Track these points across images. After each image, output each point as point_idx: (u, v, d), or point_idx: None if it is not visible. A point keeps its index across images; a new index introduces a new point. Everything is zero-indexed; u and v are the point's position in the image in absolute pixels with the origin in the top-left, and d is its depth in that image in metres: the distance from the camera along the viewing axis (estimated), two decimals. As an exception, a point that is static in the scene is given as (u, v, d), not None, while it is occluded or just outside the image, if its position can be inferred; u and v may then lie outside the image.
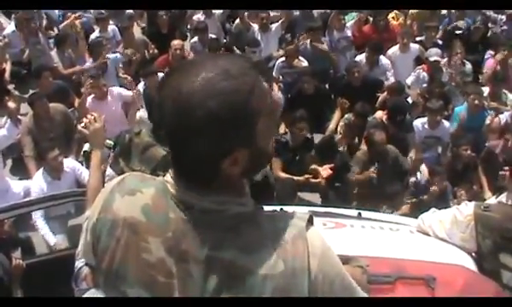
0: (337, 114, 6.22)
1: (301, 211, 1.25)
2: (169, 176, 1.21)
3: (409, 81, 7.32)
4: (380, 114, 6.26)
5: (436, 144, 6.23)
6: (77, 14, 8.28)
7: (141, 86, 6.74)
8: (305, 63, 7.51)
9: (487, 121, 6.25)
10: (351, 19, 8.72)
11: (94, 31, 8.41)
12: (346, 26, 8.30)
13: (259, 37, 7.86)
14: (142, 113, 6.47)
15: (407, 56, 7.71)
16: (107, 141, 5.69)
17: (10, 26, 8.24)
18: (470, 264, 2.57)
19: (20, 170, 5.97)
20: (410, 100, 7.03)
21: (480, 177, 5.73)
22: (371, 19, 8.63)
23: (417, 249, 2.69)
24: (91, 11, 8.83)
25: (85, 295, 2.92)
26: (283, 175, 5.44)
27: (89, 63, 7.09)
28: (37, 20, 8.09)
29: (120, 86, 6.89)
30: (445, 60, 7.41)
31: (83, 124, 2.93)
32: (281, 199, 5.13)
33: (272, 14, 8.45)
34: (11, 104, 5.32)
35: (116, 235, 1.21)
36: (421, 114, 6.39)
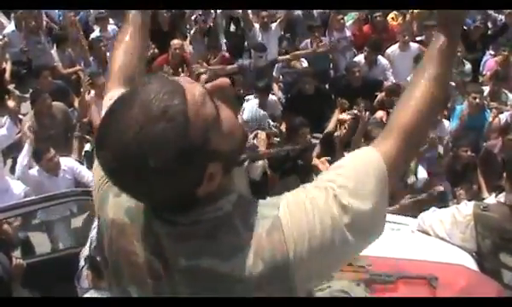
0: (336, 114, 6.22)
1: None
2: None
3: (409, 80, 7.29)
4: (380, 114, 6.25)
5: (435, 143, 6.22)
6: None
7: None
8: (305, 63, 7.50)
9: (490, 118, 6.25)
10: (350, 19, 8.71)
11: (92, 29, 8.41)
12: (345, 26, 8.29)
13: (260, 37, 7.86)
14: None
15: (407, 55, 7.69)
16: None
17: (10, 26, 8.23)
18: (472, 264, 2.57)
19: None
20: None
21: (479, 177, 5.73)
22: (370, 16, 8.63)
23: (419, 249, 2.70)
24: (91, 10, 8.82)
25: (86, 295, 2.93)
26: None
27: (92, 63, 7.07)
28: (37, 19, 8.06)
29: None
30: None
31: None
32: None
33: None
34: (11, 103, 5.30)
35: (108, 236, 1.23)
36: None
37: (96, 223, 2.92)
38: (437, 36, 1.32)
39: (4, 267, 3.83)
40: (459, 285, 2.34)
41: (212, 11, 8.73)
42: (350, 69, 7.08)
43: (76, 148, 6.00)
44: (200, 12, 8.47)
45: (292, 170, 5.24)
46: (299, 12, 8.66)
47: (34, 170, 4.99)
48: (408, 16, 8.51)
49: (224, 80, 1.15)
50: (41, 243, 4.95)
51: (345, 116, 6.19)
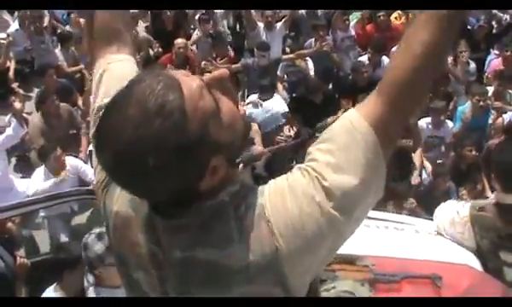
0: (340, 115, 6.22)
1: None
2: None
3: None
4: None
5: (439, 144, 6.22)
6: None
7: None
8: (309, 62, 7.49)
9: (490, 120, 6.24)
10: (354, 18, 8.69)
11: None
12: (349, 25, 8.27)
13: (264, 36, 7.86)
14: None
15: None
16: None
17: (14, 25, 8.24)
18: (476, 264, 2.56)
19: (24, 169, 5.98)
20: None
21: (482, 177, 5.72)
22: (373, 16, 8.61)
23: (423, 248, 2.69)
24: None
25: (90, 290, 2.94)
26: None
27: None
28: (41, 18, 8.08)
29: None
30: (450, 59, 7.38)
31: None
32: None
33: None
34: (17, 104, 5.32)
35: (112, 225, 1.23)
36: (425, 114, 6.38)
37: (94, 231, 2.95)
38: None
39: (8, 266, 3.83)
40: (463, 284, 2.34)
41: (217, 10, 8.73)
42: (357, 69, 7.05)
43: (84, 146, 6.00)
44: (203, 11, 8.47)
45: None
46: (303, 11, 8.65)
47: (46, 184, 5.01)
48: (411, 15, 8.48)
49: (223, 71, 1.12)
50: (45, 241, 4.96)
51: None
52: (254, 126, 5.39)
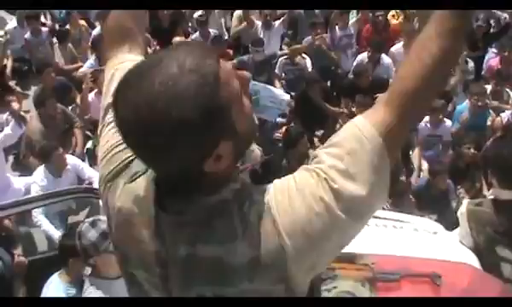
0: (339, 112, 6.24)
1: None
2: None
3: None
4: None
5: (438, 143, 6.22)
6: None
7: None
8: (307, 60, 7.48)
9: (488, 122, 6.25)
10: (353, 17, 8.68)
11: (94, 25, 8.40)
12: (348, 23, 8.26)
13: (262, 35, 7.84)
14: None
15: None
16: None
17: (12, 22, 8.21)
18: (475, 262, 2.57)
19: (21, 167, 5.96)
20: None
21: (481, 175, 5.72)
22: (371, 15, 8.61)
23: (422, 247, 2.70)
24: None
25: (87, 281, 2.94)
26: None
27: (91, 60, 7.04)
28: (39, 16, 8.05)
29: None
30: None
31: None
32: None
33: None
34: (15, 105, 5.31)
35: (116, 223, 1.22)
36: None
37: (88, 219, 2.95)
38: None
39: (6, 264, 3.83)
40: (463, 283, 2.34)
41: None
42: (360, 72, 7.05)
43: (80, 144, 5.99)
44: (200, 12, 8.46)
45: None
46: (301, 10, 8.64)
47: (40, 172, 5.01)
48: (408, 13, 8.49)
49: (247, 74, 1.14)
50: (42, 239, 4.95)
51: None
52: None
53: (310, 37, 7.73)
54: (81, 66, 7.25)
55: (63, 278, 3.30)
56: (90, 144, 5.88)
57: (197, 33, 8.05)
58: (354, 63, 7.52)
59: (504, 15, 8.87)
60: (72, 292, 3.24)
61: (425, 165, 5.92)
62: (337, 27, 8.07)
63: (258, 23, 8.00)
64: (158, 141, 1.01)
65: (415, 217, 3.58)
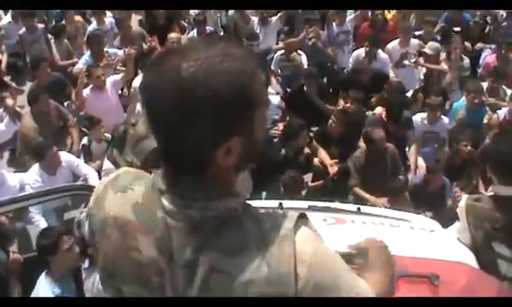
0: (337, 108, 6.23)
1: (294, 211, 1.18)
2: (160, 174, 1.17)
3: None
4: (379, 110, 6.22)
5: (435, 140, 6.22)
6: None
7: (139, 79, 6.69)
8: (303, 56, 7.47)
9: (485, 120, 6.26)
10: (351, 13, 8.67)
11: (89, 21, 8.38)
12: (345, 20, 8.24)
13: (258, 31, 7.82)
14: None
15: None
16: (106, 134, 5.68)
17: (6, 18, 8.18)
18: (473, 262, 2.56)
19: (17, 163, 5.94)
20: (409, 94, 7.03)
21: (478, 173, 5.73)
22: (370, 13, 8.61)
23: (419, 246, 2.69)
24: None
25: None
26: None
27: (87, 56, 7.00)
28: (34, 12, 8.01)
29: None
30: (444, 54, 7.40)
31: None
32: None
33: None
34: (9, 101, 5.29)
35: (106, 234, 1.21)
36: (421, 110, 6.38)
37: (86, 211, 2.93)
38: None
39: (1, 261, 3.81)
40: (461, 283, 2.33)
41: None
42: (361, 71, 7.03)
43: (75, 140, 5.96)
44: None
45: (291, 166, 5.21)
46: (298, 9, 8.64)
47: (34, 170, 4.99)
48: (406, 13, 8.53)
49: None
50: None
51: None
52: None
53: (304, 33, 7.73)
54: (77, 62, 7.23)
55: (49, 277, 3.28)
56: (85, 140, 5.85)
57: (194, 31, 8.03)
58: (350, 59, 7.53)
59: (501, 12, 8.88)
60: (58, 291, 3.23)
61: (421, 162, 5.92)
62: (334, 24, 8.06)
63: (255, 19, 7.98)
64: (187, 106, 1.04)
65: (412, 214, 3.58)
